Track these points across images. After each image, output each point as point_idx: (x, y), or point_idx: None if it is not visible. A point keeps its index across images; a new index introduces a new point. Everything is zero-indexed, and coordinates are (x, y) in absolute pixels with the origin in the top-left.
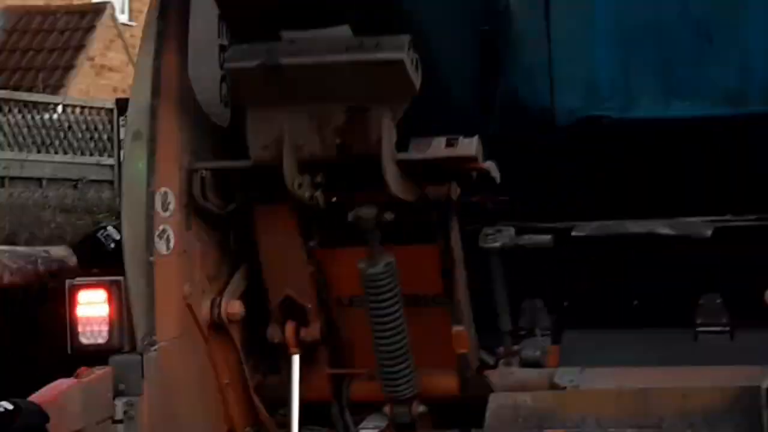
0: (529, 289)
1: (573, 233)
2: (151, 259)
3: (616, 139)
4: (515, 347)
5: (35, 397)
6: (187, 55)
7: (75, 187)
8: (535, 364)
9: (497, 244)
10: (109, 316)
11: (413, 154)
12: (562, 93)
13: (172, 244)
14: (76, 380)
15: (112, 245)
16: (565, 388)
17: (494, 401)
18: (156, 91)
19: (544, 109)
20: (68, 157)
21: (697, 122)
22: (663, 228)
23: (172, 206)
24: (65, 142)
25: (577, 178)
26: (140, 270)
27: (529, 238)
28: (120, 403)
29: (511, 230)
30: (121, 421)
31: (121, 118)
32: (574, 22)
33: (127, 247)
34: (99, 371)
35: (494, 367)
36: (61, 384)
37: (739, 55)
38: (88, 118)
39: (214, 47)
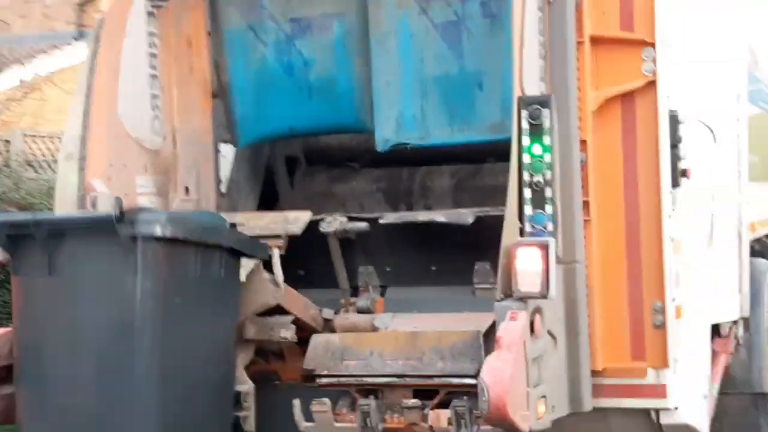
0: (364, 259)
1: (380, 221)
2: None
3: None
4: (353, 300)
5: None
6: (117, 92)
7: None
8: (367, 311)
9: (332, 229)
10: None
11: None
12: (380, 126)
13: None
14: None
15: None
16: (378, 329)
17: (314, 340)
18: (86, 123)
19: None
20: None
21: (473, 147)
22: (440, 217)
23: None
24: None
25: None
26: None
27: (352, 225)
28: None
29: (344, 219)
30: None
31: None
32: (389, 75)
33: None
34: None
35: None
36: None
37: (500, 96)
38: None
39: (145, 78)
